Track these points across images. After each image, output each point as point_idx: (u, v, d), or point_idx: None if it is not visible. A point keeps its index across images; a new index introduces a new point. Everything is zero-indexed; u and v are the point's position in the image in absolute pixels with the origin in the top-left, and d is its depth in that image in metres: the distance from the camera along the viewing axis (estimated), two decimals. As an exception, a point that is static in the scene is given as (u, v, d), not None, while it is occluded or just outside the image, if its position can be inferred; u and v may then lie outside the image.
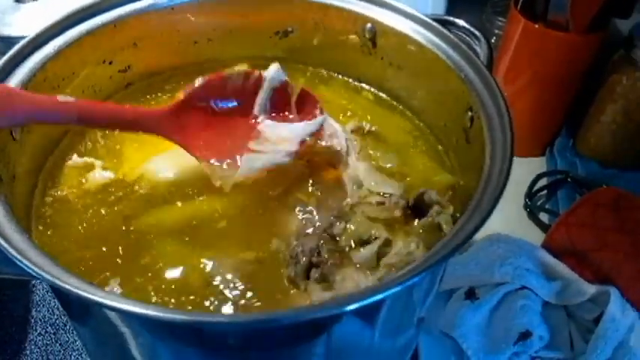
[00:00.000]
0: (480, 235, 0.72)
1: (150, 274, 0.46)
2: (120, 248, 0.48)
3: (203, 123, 0.49)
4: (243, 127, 0.50)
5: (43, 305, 0.69)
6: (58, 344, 0.66)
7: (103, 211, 0.50)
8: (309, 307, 0.41)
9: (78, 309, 0.46)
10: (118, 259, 0.47)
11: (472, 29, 0.55)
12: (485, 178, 0.43)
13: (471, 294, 0.69)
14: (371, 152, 0.57)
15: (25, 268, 0.36)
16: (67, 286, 0.34)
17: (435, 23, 0.55)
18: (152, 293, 0.45)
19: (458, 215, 0.48)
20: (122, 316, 0.39)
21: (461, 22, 0.56)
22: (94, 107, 0.47)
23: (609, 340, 0.62)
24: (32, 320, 0.67)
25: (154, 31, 0.60)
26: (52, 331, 0.67)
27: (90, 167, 0.54)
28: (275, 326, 0.38)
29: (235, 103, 0.50)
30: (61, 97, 0.44)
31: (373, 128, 0.59)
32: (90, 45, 0.54)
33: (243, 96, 0.50)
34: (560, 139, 0.91)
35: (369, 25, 0.60)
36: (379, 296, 0.36)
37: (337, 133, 0.52)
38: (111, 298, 0.34)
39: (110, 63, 0.58)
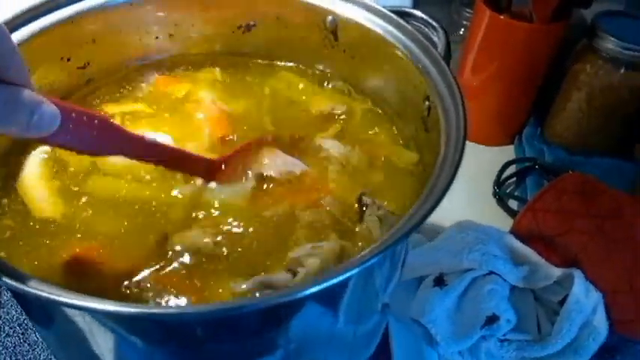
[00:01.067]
0: (449, 222, 0.75)
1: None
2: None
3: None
4: None
5: (12, 306, 0.69)
6: (26, 344, 0.66)
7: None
8: (267, 295, 0.41)
9: (35, 309, 0.46)
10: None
11: (430, 20, 0.56)
12: (440, 162, 0.44)
13: (439, 281, 0.70)
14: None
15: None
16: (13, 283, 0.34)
17: (393, 15, 0.56)
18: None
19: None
20: (78, 312, 0.39)
21: (419, 14, 0.56)
22: (164, 148, 0.50)
23: (574, 321, 0.64)
24: (0, 321, 0.67)
25: (112, 27, 0.59)
26: (20, 331, 0.66)
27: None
28: (233, 315, 0.38)
29: None
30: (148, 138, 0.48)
31: (343, 116, 0.60)
32: (46, 42, 0.54)
33: None
34: (529, 128, 0.93)
35: (330, 17, 0.60)
36: (338, 279, 0.37)
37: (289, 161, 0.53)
38: (59, 294, 0.35)
39: (68, 60, 0.58)
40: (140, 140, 0.47)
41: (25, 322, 0.67)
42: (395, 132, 0.60)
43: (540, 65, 0.86)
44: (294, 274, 0.46)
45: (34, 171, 0.52)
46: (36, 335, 0.66)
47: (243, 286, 0.46)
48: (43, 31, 0.53)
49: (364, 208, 0.50)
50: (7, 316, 0.67)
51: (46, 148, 0.53)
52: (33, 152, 0.54)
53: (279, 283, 0.45)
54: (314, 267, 0.46)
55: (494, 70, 0.87)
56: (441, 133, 0.47)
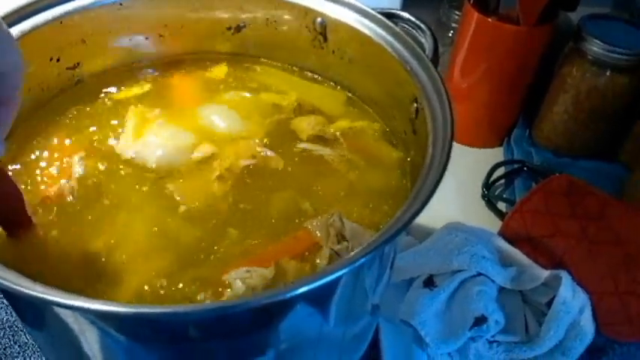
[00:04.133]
0: (438, 224, 0.75)
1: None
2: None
3: None
4: None
5: (1, 308, 0.68)
6: (17, 346, 0.65)
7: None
8: (256, 295, 0.41)
9: (26, 307, 0.45)
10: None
11: (418, 22, 0.56)
12: (427, 165, 0.44)
13: (429, 282, 0.70)
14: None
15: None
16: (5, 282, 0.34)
17: (381, 17, 0.56)
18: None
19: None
20: (69, 312, 0.39)
21: (406, 15, 0.57)
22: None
23: (561, 322, 0.64)
24: (-11, 323, 0.66)
25: (102, 27, 0.59)
26: (10, 334, 0.66)
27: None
28: (223, 314, 0.38)
29: None
30: None
31: (337, 133, 0.60)
32: (35, 42, 0.54)
33: None
34: (517, 130, 0.94)
35: (319, 19, 0.61)
36: (327, 278, 0.37)
37: None
38: (50, 293, 0.34)
39: (58, 60, 0.58)
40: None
41: (16, 323, 0.67)
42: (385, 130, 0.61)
43: (528, 67, 0.86)
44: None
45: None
46: (26, 337, 0.65)
47: None
48: (32, 31, 0.53)
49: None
50: (-4, 318, 0.67)
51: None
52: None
53: None
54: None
55: (483, 72, 0.87)
56: (428, 134, 0.48)
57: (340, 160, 0.56)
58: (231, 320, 0.40)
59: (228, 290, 0.46)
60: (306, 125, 0.59)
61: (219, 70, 0.65)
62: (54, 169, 0.54)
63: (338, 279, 0.38)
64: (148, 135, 0.56)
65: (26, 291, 0.35)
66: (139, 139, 0.55)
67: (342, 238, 0.49)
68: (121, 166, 0.54)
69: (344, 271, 0.37)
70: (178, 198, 0.51)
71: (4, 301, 0.68)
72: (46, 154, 0.55)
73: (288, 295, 0.37)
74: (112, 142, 0.56)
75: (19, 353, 0.65)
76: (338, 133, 0.59)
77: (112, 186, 0.52)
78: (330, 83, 0.66)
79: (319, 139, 0.58)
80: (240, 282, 0.46)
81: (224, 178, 0.53)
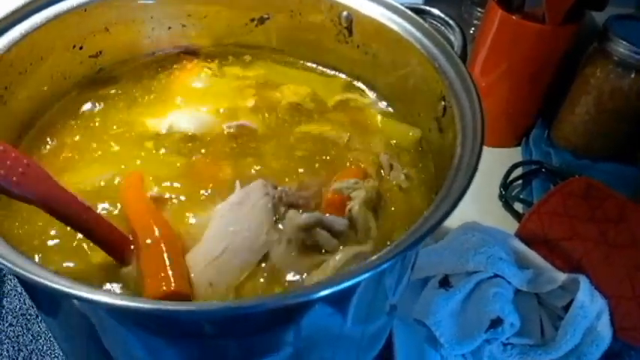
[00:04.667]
0: (455, 224, 0.74)
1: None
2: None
3: None
4: None
5: (15, 295, 0.68)
6: (29, 334, 0.65)
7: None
8: (279, 295, 0.41)
9: (44, 298, 0.45)
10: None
11: (447, 18, 0.55)
12: (455, 166, 0.43)
13: (445, 282, 0.69)
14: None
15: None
16: (28, 274, 0.34)
17: (410, 12, 0.55)
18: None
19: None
20: (89, 306, 0.38)
21: (436, 12, 0.56)
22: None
23: (578, 327, 0.64)
24: (3, 311, 0.66)
25: (126, 16, 0.59)
26: (23, 322, 0.66)
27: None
28: (245, 314, 0.38)
29: None
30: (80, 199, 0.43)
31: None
32: (58, 30, 0.53)
33: None
34: (536, 130, 0.93)
35: (345, 13, 0.60)
36: (350, 282, 0.37)
37: None
38: (73, 287, 0.34)
39: (81, 48, 0.57)
40: (70, 198, 0.42)
41: (29, 312, 0.67)
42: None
43: (550, 67, 0.85)
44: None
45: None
46: (39, 326, 0.65)
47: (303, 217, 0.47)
48: (55, 19, 0.53)
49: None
50: (10, 306, 0.67)
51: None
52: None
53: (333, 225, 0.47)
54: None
55: (504, 70, 0.86)
56: (457, 134, 0.47)
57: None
58: (251, 319, 0.40)
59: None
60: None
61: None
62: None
63: (359, 282, 0.38)
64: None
65: (49, 284, 0.35)
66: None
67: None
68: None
69: (366, 275, 0.37)
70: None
71: (18, 289, 0.68)
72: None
73: (311, 297, 0.37)
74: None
75: (31, 341, 0.65)
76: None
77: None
78: (348, 79, 0.65)
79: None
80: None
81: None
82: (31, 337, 0.65)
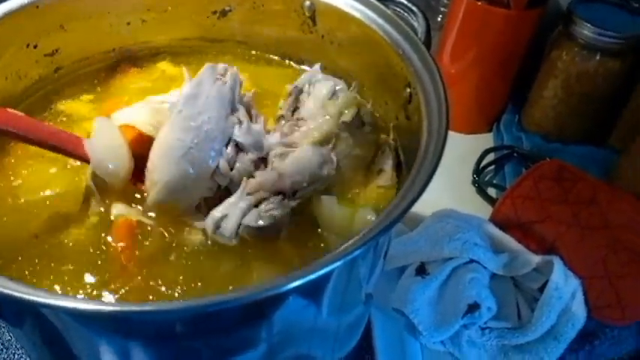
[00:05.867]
0: (429, 211, 0.74)
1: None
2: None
3: None
4: None
5: (-18, 305, 0.66)
6: (0, 343, 0.63)
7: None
8: (249, 290, 0.40)
9: (7, 308, 0.44)
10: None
11: (410, 5, 0.55)
12: (422, 151, 0.43)
13: (421, 270, 0.69)
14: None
15: None
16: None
17: (372, 0, 0.55)
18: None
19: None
20: (51, 311, 0.37)
21: (399, -2, 0.55)
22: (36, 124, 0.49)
23: (553, 307, 0.64)
24: (-29, 321, 0.64)
25: (82, 12, 0.57)
26: (-8, 331, 0.64)
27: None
28: (213, 310, 0.37)
29: None
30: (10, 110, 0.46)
31: None
32: (10, 28, 0.52)
33: None
34: (506, 115, 0.93)
35: (307, 2, 0.59)
36: (321, 272, 0.36)
37: None
38: (32, 293, 0.33)
39: (35, 47, 0.56)
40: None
41: (-1, 321, 0.65)
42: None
43: (518, 52, 0.86)
44: None
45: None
46: (10, 334, 0.64)
47: None
48: (6, 16, 0.51)
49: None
50: (-23, 316, 0.65)
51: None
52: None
53: None
54: None
55: (472, 56, 0.87)
56: (422, 120, 0.47)
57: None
58: (222, 315, 0.39)
59: None
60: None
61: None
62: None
63: (332, 271, 0.37)
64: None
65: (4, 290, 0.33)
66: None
67: None
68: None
69: (338, 264, 0.37)
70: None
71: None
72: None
73: (282, 290, 0.36)
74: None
75: (1, 350, 0.63)
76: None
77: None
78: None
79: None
80: None
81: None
82: (1, 346, 0.63)
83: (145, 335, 0.41)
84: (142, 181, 0.49)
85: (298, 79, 0.55)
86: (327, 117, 0.50)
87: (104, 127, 0.50)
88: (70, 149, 0.49)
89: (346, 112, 0.50)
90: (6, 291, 0.34)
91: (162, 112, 0.50)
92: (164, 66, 0.63)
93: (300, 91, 0.53)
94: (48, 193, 0.50)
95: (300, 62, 0.65)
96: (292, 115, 0.53)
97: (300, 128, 0.51)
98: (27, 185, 0.51)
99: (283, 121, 0.53)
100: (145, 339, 0.41)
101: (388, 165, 0.52)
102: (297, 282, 0.35)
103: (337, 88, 0.53)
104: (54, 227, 0.48)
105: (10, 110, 0.48)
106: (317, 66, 0.56)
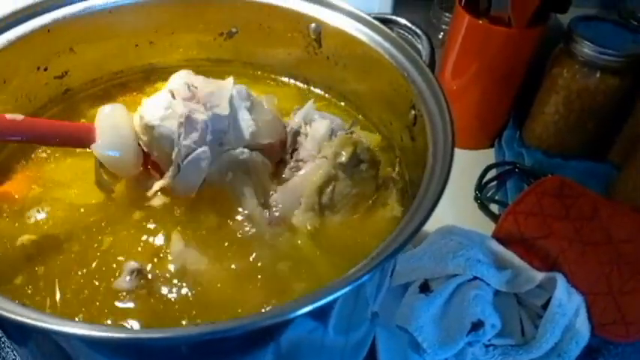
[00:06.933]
0: (432, 228, 0.75)
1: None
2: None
3: None
4: None
5: (-13, 323, 0.66)
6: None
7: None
8: (255, 316, 0.40)
9: (13, 328, 0.44)
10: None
11: (414, 27, 0.56)
12: (428, 175, 0.44)
13: (425, 287, 0.70)
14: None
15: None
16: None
17: (377, 22, 0.56)
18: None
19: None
20: (57, 337, 0.37)
21: (403, 21, 0.56)
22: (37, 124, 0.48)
23: (557, 325, 0.65)
24: (-25, 339, 0.64)
25: (91, 35, 0.58)
26: (-3, 350, 0.64)
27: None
28: (220, 337, 0.37)
29: None
30: (8, 116, 0.45)
31: None
32: (22, 51, 0.52)
33: None
34: (508, 131, 0.94)
35: (313, 25, 0.60)
36: (329, 298, 0.36)
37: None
38: (41, 319, 0.33)
39: (45, 69, 0.56)
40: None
41: (2, 339, 0.65)
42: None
43: (519, 69, 0.87)
44: None
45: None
46: (14, 353, 0.64)
47: None
48: (19, 40, 0.52)
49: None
50: (-18, 335, 0.65)
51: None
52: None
53: None
54: None
55: (474, 74, 0.87)
56: (428, 141, 0.47)
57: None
58: (228, 341, 0.39)
59: None
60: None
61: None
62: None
63: (339, 296, 0.38)
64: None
65: (13, 317, 0.34)
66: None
67: None
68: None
69: (346, 290, 0.37)
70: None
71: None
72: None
73: (290, 316, 0.36)
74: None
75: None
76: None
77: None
78: (319, 92, 0.65)
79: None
80: None
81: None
82: (6, 366, 0.63)
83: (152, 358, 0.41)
84: (155, 168, 0.50)
85: (292, 118, 0.54)
86: (325, 159, 0.50)
87: (109, 116, 0.49)
88: (78, 143, 0.48)
89: (343, 152, 0.49)
90: (13, 317, 0.34)
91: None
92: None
93: (298, 133, 0.53)
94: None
95: (305, 82, 0.65)
96: (292, 157, 0.53)
97: (299, 172, 0.51)
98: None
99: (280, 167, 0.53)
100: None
101: (392, 199, 0.52)
102: (305, 309, 0.35)
103: (334, 125, 0.53)
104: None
105: (7, 116, 0.46)
106: (310, 102, 0.55)
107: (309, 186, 0.50)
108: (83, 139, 0.48)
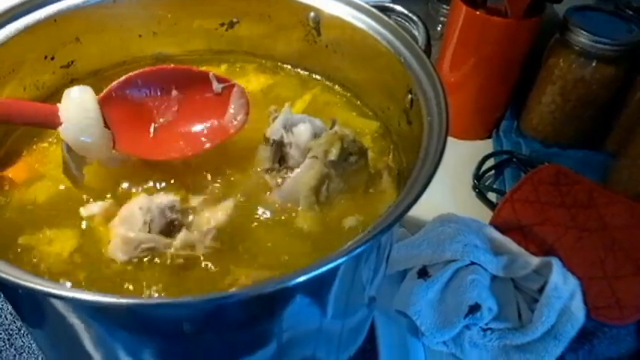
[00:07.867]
0: (431, 216, 0.76)
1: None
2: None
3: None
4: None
5: (-3, 310, 0.68)
6: (12, 349, 0.65)
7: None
8: (256, 285, 0.42)
9: (27, 307, 0.46)
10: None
11: (410, 14, 0.57)
12: (422, 155, 0.45)
13: (423, 273, 0.71)
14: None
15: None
16: (10, 277, 0.35)
17: (375, 10, 0.57)
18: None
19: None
20: (69, 305, 0.39)
21: (400, 9, 0.58)
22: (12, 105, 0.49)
23: (553, 308, 0.66)
24: (-15, 324, 0.66)
25: (96, 25, 0.59)
26: (5, 337, 0.65)
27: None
28: (220, 305, 0.38)
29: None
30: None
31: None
32: (29, 41, 0.54)
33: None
34: (505, 121, 0.95)
35: (312, 14, 0.61)
36: (327, 267, 0.37)
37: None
38: (49, 285, 0.35)
39: (52, 59, 0.58)
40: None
41: (11, 327, 0.66)
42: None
43: (516, 60, 0.88)
44: None
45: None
46: (22, 340, 0.65)
47: None
48: (26, 30, 0.53)
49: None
50: (-8, 321, 0.66)
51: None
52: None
53: None
54: None
55: (472, 65, 0.89)
56: (423, 124, 0.49)
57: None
58: (229, 310, 0.41)
59: None
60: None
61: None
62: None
63: (337, 268, 0.39)
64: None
65: (27, 284, 0.35)
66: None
67: None
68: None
69: (343, 259, 0.38)
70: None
71: (1, 303, 0.68)
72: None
73: (287, 285, 0.37)
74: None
75: (14, 356, 0.64)
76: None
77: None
78: (319, 78, 0.66)
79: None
80: None
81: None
82: (14, 351, 0.65)
83: (157, 330, 0.42)
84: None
85: (270, 129, 0.54)
86: (315, 158, 0.50)
87: (75, 98, 0.49)
88: (44, 122, 0.48)
89: (333, 150, 0.50)
90: (23, 282, 0.35)
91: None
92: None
93: (282, 144, 0.53)
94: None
95: (306, 70, 0.67)
96: (280, 165, 0.53)
97: (292, 174, 0.51)
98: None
99: (271, 175, 0.53)
100: (156, 334, 0.42)
101: (388, 185, 0.53)
102: (302, 278, 0.36)
103: (315, 128, 0.53)
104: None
105: None
106: (286, 107, 0.55)
107: (304, 187, 0.50)
108: (48, 120, 0.48)
